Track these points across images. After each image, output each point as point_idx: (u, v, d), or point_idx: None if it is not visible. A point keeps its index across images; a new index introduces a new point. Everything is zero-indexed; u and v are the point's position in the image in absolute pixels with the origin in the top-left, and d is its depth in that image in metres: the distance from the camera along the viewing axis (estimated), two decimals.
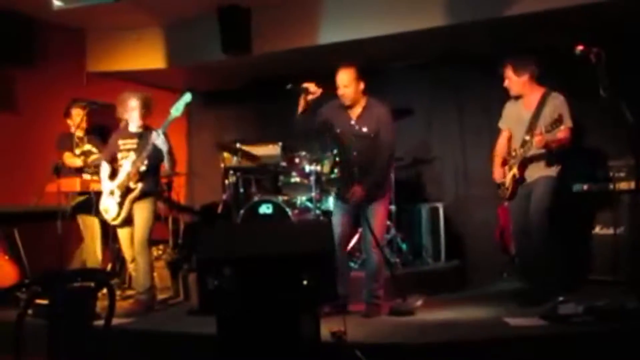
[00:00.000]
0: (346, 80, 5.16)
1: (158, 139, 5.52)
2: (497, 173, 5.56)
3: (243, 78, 8.77)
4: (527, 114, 5.33)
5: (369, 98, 5.28)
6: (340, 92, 5.18)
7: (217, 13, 7.21)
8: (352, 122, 5.24)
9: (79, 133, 6.64)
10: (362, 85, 5.22)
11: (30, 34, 7.33)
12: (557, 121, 4.94)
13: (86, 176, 6.48)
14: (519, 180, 5.33)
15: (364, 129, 5.20)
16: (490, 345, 4.23)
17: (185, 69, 8.46)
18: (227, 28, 7.24)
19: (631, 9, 5.96)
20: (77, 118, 6.62)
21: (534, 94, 5.34)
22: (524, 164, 5.30)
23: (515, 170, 5.32)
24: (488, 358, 4.14)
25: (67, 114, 6.74)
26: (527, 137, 5.20)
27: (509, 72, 5.39)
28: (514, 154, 5.38)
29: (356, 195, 5.09)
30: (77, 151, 6.59)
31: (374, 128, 5.17)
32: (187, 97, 5.56)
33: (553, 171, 5.30)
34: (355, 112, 5.26)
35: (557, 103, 5.21)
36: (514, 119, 5.49)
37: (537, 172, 5.30)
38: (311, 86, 5.11)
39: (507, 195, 5.44)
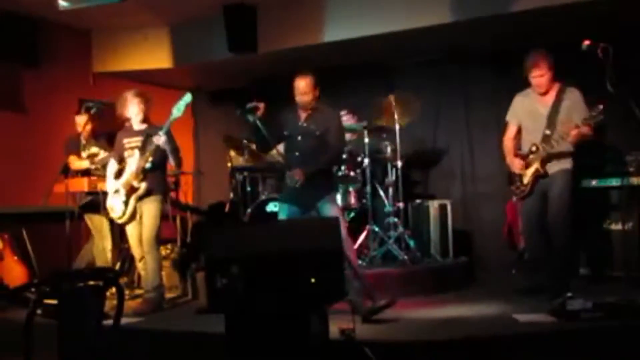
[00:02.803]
0: (305, 88, 5.26)
1: (160, 140, 5.54)
2: (518, 164, 5.31)
3: (249, 76, 8.78)
4: (543, 108, 5.21)
5: (319, 102, 5.38)
6: (298, 98, 5.29)
7: (223, 12, 7.21)
8: (300, 123, 5.36)
9: (84, 135, 6.64)
10: (317, 92, 5.32)
11: (36, 34, 7.37)
12: (598, 110, 4.85)
13: (95, 177, 6.45)
14: (540, 176, 5.18)
15: (312, 128, 5.30)
16: (499, 342, 4.22)
17: (192, 68, 8.48)
18: (233, 27, 7.24)
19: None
20: (81, 121, 6.63)
21: (553, 89, 5.22)
22: (548, 159, 5.16)
23: (537, 165, 5.17)
24: (498, 355, 4.13)
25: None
26: (548, 132, 5.10)
27: (544, 68, 5.13)
28: (534, 149, 5.21)
29: (297, 176, 5.12)
30: (84, 154, 6.60)
31: (322, 129, 5.28)
32: (188, 97, 5.60)
33: (569, 164, 5.20)
34: (305, 113, 5.37)
35: (576, 97, 5.12)
36: (526, 113, 5.35)
37: (556, 165, 5.18)
38: (258, 104, 5.18)
39: (525, 192, 5.27)
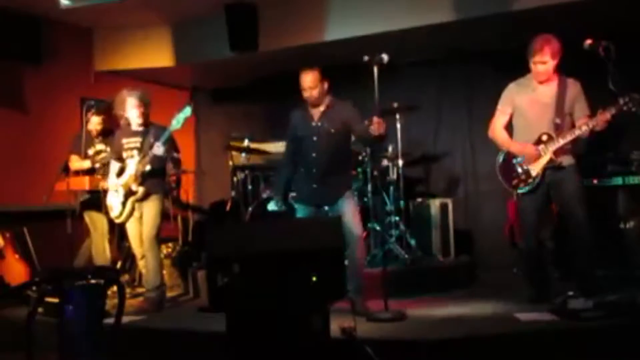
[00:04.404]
0: (311, 82, 5.12)
1: (159, 151, 5.56)
2: (533, 152, 5.05)
3: (251, 75, 8.77)
4: (547, 98, 5.03)
5: (332, 97, 5.25)
6: (306, 94, 5.16)
7: (224, 10, 7.21)
8: (313, 123, 5.22)
9: (94, 133, 6.58)
10: (326, 85, 5.20)
11: (38, 32, 7.36)
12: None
13: (97, 176, 6.44)
14: (550, 168, 4.99)
15: (326, 126, 5.17)
16: (501, 340, 4.22)
17: (193, 67, 8.47)
18: (235, 25, 7.23)
19: None
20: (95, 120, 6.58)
21: (553, 79, 5.04)
22: (562, 149, 4.98)
23: (551, 155, 4.97)
24: (499, 353, 4.13)
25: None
26: (558, 121, 4.93)
27: (547, 54, 4.90)
28: (545, 138, 5.00)
29: (379, 125, 4.75)
30: (90, 151, 6.56)
31: (338, 125, 5.15)
32: (188, 110, 5.58)
33: (574, 160, 5.09)
34: (318, 112, 5.23)
35: (578, 89, 5.00)
36: (526, 102, 5.13)
37: (566, 159, 5.05)
38: None
39: (534, 184, 5.04)
